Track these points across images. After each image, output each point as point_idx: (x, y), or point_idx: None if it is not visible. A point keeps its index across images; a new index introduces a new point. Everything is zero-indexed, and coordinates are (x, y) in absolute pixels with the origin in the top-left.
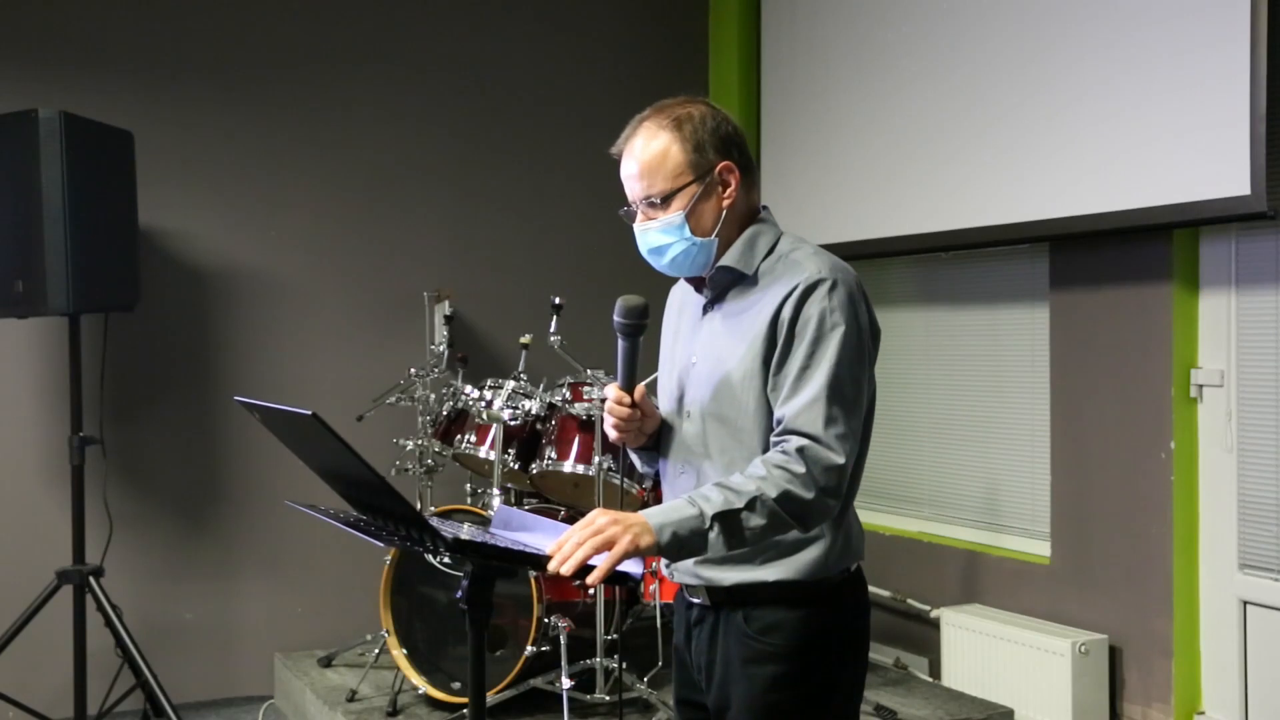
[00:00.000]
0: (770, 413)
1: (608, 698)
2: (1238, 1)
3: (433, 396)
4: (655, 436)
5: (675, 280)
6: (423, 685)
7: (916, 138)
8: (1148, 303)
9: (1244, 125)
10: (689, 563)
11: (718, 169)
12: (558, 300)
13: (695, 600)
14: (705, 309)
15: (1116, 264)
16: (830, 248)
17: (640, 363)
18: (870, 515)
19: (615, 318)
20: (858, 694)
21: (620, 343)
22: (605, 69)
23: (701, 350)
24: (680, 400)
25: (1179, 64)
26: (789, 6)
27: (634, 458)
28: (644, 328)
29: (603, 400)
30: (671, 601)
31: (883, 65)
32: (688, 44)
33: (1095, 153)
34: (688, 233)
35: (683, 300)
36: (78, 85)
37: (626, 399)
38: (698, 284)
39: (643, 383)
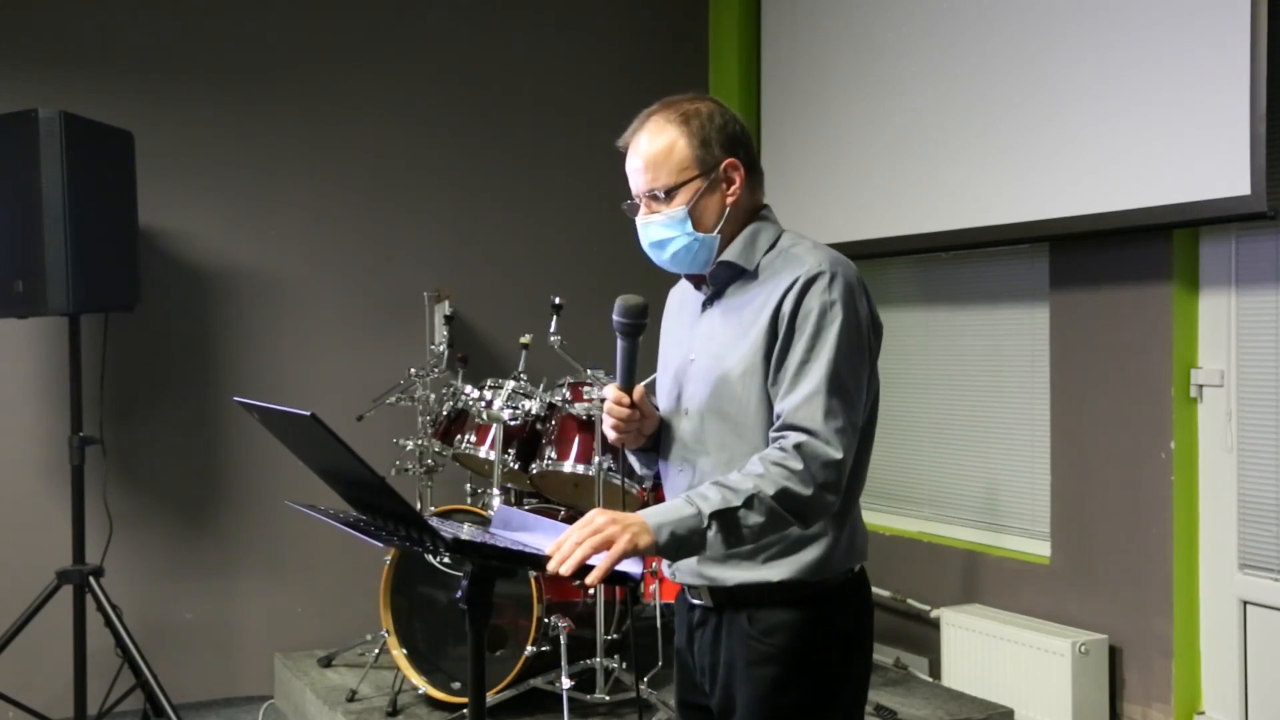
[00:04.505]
0: (771, 407)
1: (608, 698)
2: (1238, 2)
3: (433, 396)
4: (654, 438)
5: (675, 278)
6: (423, 685)
7: (916, 138)
8: (1148, 303)
9: (1244, 125)
10: (692, 563)
11: (723, 166)
12: (558, 300)
13: (697, 602)
14: (705, 305)
15: (1116, 264)
16: (830, 247)
17: (639, 363)
18: (870, 515)
19: (614, 317)
20: (862, 694)
21: (619, 343)
22: (605, 69)
23: (700, 346)
24: (678, 398)
25: (1179, 64)
26: (789, 6)
27: (633, 459)
28: (643, 327)
29: (602, 400)
30: (672, 602)
31: (883, 65)
32: (688, 44)
33: (1095, 153)
34: (690, 228)
35: (682, 298)
36: (78, 85)
37: (625, 399)
38: (697, 281)
39: (641, 383)
